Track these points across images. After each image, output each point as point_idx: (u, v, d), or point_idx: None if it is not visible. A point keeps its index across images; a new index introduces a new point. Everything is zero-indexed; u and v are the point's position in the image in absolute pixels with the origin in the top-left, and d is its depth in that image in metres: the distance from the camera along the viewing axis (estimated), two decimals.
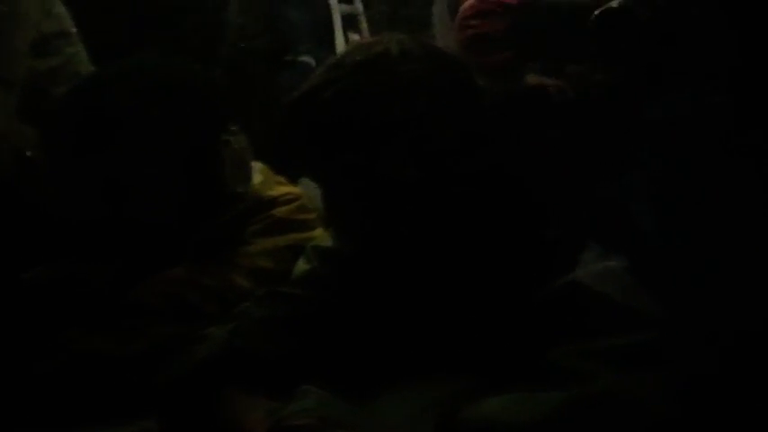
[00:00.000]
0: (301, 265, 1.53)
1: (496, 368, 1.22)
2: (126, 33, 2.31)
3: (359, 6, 3.28)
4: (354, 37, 3.19)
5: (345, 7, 3.24)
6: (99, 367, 1.55)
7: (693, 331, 1.25)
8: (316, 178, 1.42)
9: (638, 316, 1.22)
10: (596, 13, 1.70)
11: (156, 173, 1.64)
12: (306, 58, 3.07)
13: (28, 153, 1.99)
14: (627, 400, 1.13)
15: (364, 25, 3.26)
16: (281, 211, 1.70)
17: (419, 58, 1.32)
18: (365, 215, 1.33)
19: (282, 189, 1.75)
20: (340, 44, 3.13)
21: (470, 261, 1.31)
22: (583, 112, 1.90)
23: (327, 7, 3.18)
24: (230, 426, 1.30)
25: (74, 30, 2.23)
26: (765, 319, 1.31)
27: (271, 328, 1.41)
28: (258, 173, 1.77)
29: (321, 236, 1.58)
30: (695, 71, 1.55)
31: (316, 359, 1.36)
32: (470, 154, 1.31)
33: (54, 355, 1.58)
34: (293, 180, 1.85)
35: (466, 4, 2.47)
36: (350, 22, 3.24)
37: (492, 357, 1.24)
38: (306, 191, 1.78)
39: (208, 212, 1.68)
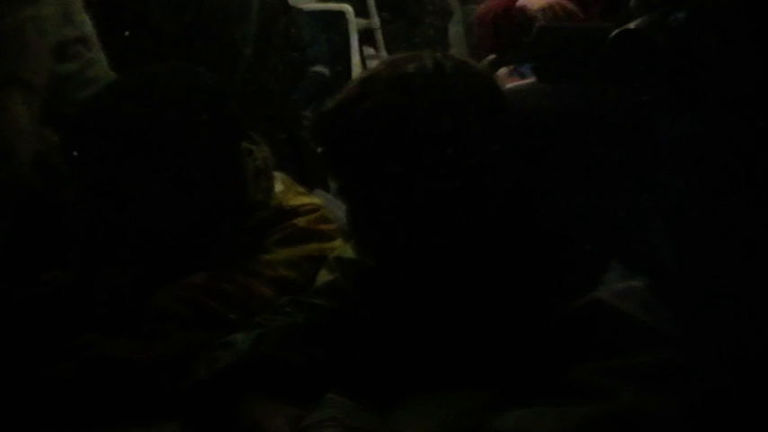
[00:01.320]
0: (324, 276, 1.54)
1: (520, 382, 1.24)
2: (150, 41, 2.32)
3: (376, 21, 3.30)
4: (370, 51, 3.22)
5: (362, 21, 3.27)
6: (118, 371, 1.55)
7: (714, 351, 1.26)
8: (344, 191, 1.43)
9: (661, 335, 1.23)
10: (613, 34, 1.70)
11: (178, 180, 1.66)
12: (320, 68, 3.09)
13: (51, 156, 2.00)
14: (650, 418, 1.15)
15: (380, 40, 3.29)
16: (302, 221, 1.71)
17: (454, 74, 1.34)
18: (396, 228, 1.34)
19: (303, 199, 1.77)
20: (356, 57, 3.15)
21: (496, 275, 1.32)
22: (604, 131, 1.91)
23: (344, 20, 3.21)
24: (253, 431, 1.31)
25: (94, 35, 2.25)
26: None
27: (294, 337, 1.42)
28: (279, 182, 1.78)
29: (342, 246, 1.60)
30: (714, 92, 1.55)
31: (339, 368, 1.37)
32: (502, 170, 1.32)
33: (73, 358, 1.59)
34: (309, 190, 1.86)
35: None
36: (366, 36, 3.27)
37: (515, 371, 1.25)
38: (324, 202, 1.79)
39: (230, 220, 1.69)
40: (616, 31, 1.64)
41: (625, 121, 1.78)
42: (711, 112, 1.55)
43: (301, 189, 1.81)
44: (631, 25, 1.66)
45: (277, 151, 1.86)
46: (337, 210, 1.70)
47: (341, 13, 3.21)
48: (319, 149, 1.37)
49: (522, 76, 2.43)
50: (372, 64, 2.81)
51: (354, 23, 3.20)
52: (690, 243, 1.47)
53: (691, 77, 1.56)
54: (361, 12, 3.27)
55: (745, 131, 1.48)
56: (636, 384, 1.18)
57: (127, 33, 2.29)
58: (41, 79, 2.05)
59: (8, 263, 1.88)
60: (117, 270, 1.73)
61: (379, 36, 3.26)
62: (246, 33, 2.41)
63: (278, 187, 1.77)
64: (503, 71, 2.40)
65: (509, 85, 2.01)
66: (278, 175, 1.79)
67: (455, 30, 3.31)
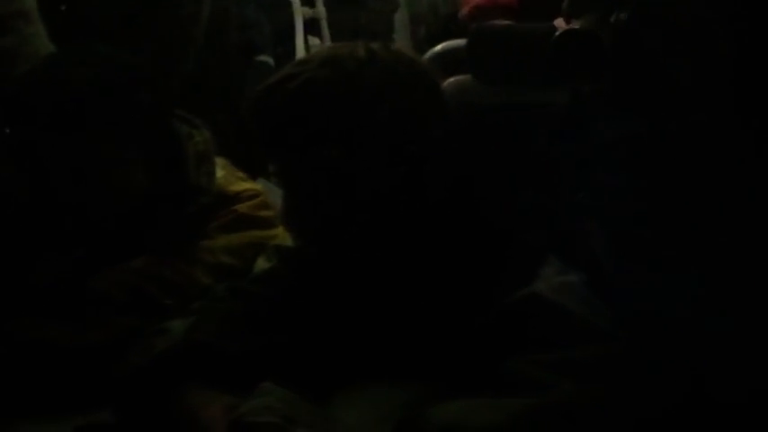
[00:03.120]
0: (262, 263, 1.53)
1: (457, 374, 1.24)
2: (95, 18, 2.28)
3: (321, 10, 3.28)
4: (315, 41, 3.20)
5: (307, 10, 3.25)
6: (53, 357, 1.53)
7: (647, 343, 1.28)
8: (278, 174, 1.42)
9: (596, 328, 1.25)
10: (557, 34, 1.71)
11: (116, 159, 1.63)
12: (264, 58, 3.06)
13: None
14: (586, 410, 1.16)
15: (326, 29, 3.27)
16: (243, 207, 1.70)
17: (387, 62, 1.34)
18: (328, 215, 1.34)
19: (245, 185, 1.76)
20: (300, 47, 3.13)
21: (434, 267, 1.33)
22: (542, 127, 1.93)
23: (290, 9, 3.18)
24: (187, 419, 1.29)
25: (34, 10, 2.20)
26: (713, 333, 1.34)
27: (230, 324, 1.41)
28: (220, 168, 1.77)
29: (283, 234, 1.59)
30: (654, 93, 1.57)
31: (275, 357, 1.36)
32: (439, 161, 1.33)
33: (7, 341, 1.56)
34: (253, 178, 1.85)
35: None
36: (311, 26, 3.25)
37: (453, 363, 1.26)
38: (266, 188, 1.79)
39: (170, 205, 1.68)
40: (561, 31, 1.65)
41: (563, 119, 1.80)
42: (652, 111, 1.57)
43: (242, 175, 1.80)
44: (575, 26, 1.68)
45: (221, 137, 1.84)
46: (278, 198, 1.69)
47: (286, 2, 3.18)
48: (253, 130, 1.36)
49: None
50: None
51: (300, 12, 3.18)
52: (624, 240, 1.49)
53: (634, 76, 1.58)
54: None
55: (684, 131, 1.50)
56: (572, 377, 1.19)
57: (68, 8, 2.24)
58: None
59: None
60: (56, 253, 1.70)
61: (324, 25, 3.25)
62: (197, 15, 2.38)
63: (219, 173, 1.75)
64: None
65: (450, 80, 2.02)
66: (218, 160, 1.78)
67: (399, 20, 3.31)
